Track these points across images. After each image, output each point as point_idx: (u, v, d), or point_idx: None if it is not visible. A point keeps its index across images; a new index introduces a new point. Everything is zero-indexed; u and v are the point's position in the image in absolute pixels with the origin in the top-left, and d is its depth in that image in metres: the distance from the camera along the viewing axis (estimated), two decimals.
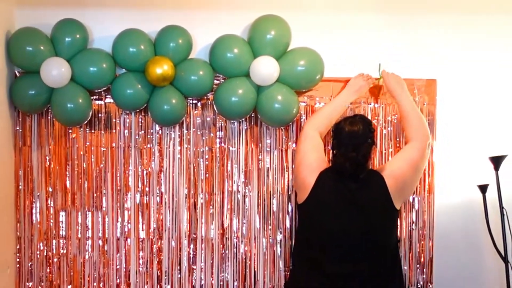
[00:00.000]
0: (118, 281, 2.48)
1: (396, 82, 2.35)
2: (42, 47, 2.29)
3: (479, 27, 2.52)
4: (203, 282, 2.49)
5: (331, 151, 2.18)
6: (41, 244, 2.47)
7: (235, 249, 2.50)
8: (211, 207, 2.50)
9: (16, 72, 2.42)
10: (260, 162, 2.52)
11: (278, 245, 2.46)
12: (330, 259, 2.04)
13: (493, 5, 2.50)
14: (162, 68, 2.22)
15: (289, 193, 2.47)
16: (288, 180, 2.52)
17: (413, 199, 2.51)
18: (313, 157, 2.16)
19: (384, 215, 2.09)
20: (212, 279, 2.49)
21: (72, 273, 2.48)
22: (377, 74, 2.45)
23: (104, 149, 2.49)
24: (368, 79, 2.42)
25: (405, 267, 2.52)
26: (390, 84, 2.36)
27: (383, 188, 2.05)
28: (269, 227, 2.47)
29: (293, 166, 2.41)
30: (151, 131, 2.50)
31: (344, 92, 2.36)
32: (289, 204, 2.47)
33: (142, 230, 2.50)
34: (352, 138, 2.05)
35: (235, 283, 2.49)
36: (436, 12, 2.52)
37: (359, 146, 2.03)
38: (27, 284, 2.47)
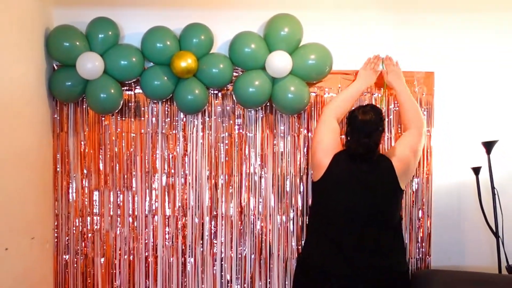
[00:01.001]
0: (147, 254, 2.58)
1: (396, 75, 2.44)
2: (77, 43, 2.36)
3: (473, 25, 2.59)
4: (223, 255, 2.59)
5: (345, 137, 2.23)
6: (77, 221, 2.58)
7: (252, 225, 2.59)
8: (230, 187, 2.58)
9: (54, 65, 2.50)
10: (274, 146, 2.60)
11: (291, 222, 2.53)
12: (341, 232, 2.10)
13: (486, 5, 2.57)
14: (186, 62, 2.29)
15: (301, 174, 2.54)
16: (300, 163, 2.59)
17: (413, 180, 2.58)
18: (329, 140, 2.21)
19: (392, 194, 2.15)
20: (231, 252, 2.58)
21: (104, 247, 2.58)
22: (381, 67, 2.50)
23: (134, 135, 2.57)
24: (374, 65, 2.47)
25: (406, 242, 2.57)
26: (390, 76, 2.45)
27: (391, 171, 2.11)
28: (283, 205, 2.54)
29: (310, 146, 2.47)
30: (176, 118, 2.57)
31: (357, 81, 2.43)
32: (301, 184, 2.54)
33: (168, 208, 2.58)
34: (365, 126, 2.11)
35: (252, 256, 2.58)
36: (434, 11, 2.59)
37: (371, 133, 2.10)
38: (64, 257, 2.58)
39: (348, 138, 2.16)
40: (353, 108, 2.28)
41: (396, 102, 2.55)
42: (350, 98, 2.36)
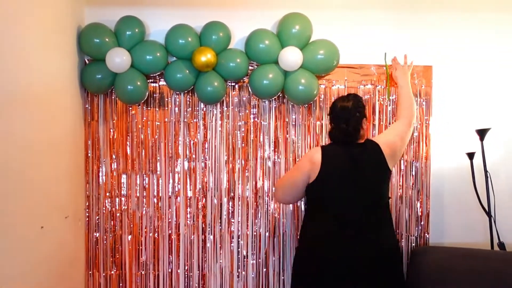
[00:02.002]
0: (170, 232, 2.62)
1: (402, 71, 2.49)
2: (107, 39, 2.40)
3: (468, 24, 2.64)
4: (239, 233, 2.63)
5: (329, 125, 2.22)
6: (106, 201, 2.61)
7: (266, 206, 2.63)
8: (246, 171, 2.62)
9: (85, 59, 2.54)
10: (286, 134, 2.63)
11: (302, 202, 2.57)
12: (336, 216, 2.05)
13: (480, 5, 2.63)
14: (206, 57, 2.34)
15: None
16: (310, 148, 2.62)
17: (413, 164, 2.63)
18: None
19: (380, 174, 2.12)
20: (247, 231, 2.63)
21: (132, 225, 2.62)
22: (383, 62, 2.59)
23: (158, 123, 2.60)
24: (397, 63, 2.52)
25: (406, 220, 2.64)
26: (397, 72, 2.50)
27: (379, 153, 2.10)
28: None
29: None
30: (197, 108, 2.61)
31: (404, 83, 2.43)
32: None
33: (190, 190, 2.62)
34: (343, 113, 2.11)
35: (266, 234, 2.63)
36: (432, 11, 2.63)
37: (349, 119, 2.10)
38: (95, 234, 2.62)
39: (332, 125, 2.18)
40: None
41: (396, 93, 2.58)
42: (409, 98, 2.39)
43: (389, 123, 2.59)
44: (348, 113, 2.11)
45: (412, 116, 2.34)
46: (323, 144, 2.60)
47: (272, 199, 2.64)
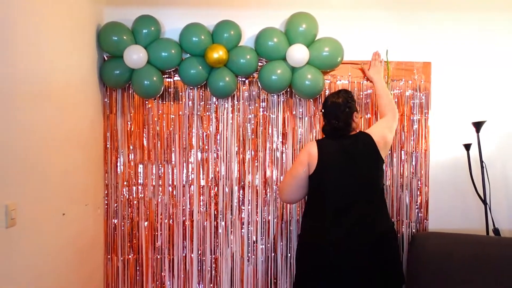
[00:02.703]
0: (184, 218, 2.68)
1: (376, 69, 2.54)
2: (125, 37, 2.45)
3: (464, 22, 2.67)
4: (249, 219, 2.68)
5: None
6: (124, 190, 2.67)
7: (274, 194, 2.68)
8: (256, 161, 2.67)
9: (104, 56, 2.59)
10: (294, 126, 2.67)
11: None
12: (331, 197, 2.09)
13: (474, 5, 2.67)
14: (218, 53, 2.39)
15: None
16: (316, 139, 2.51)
17: (413, 155, 2.67)
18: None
19: (374, 162, 2.15)
20: (257, 217, 2.68)
21: (148, 212, 2.67)
22: (385, 58, 2.62)
23: (173, 116, 2.65)
24: (377, 59, 2.56)
25: (407, 207, 2.69)
26: (371, 70, 2.55)
27: (371, 142, 2.15)
28: None
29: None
30: (210, 102, 2.66)
31: (378, 79, 2.51)
32: None
33: (202, 179, 2.67)
34: (334, 108, 2.18)
35: (274, 220, 2.68)
36: (431, 11, 2.66)
37: (338, 115, 2.16)
38: (113, 220, 2.68)
39: (324, 121, 2.24)
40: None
41: (397, 88, 2.65)
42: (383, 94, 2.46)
43: (380, 115, 2.53)
44: (338, 109, 2.17)
45: (394, 109, 2.39)
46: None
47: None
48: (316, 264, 2.10)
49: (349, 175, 2.10)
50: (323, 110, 2.25)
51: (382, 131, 2.24)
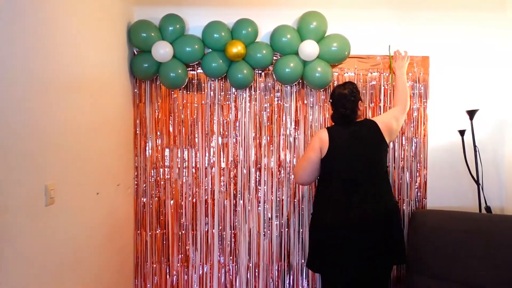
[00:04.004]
0: (206, 197, 2.76)
1: (400, 63, 2.60)
2: (152, 34, 2.53)
3: (460, 20, 2.74)
4: (265, 198, 2.76)
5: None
6: (152, 171, 2.75)
7: (288, 175, 2.75)
8: (271, 145, 2.73)
9: (134, 51, 2.68)
10: (305, 114, 2.74)
11: None
12: (341, 177, 2.18)
13: (470, 4, 2.73)
14: (237, 48, 2.48)
15: None
16: (325, 126, 2.72)
17: (413, 140, 2.74)
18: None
19: (378, 146, 2.23)
20: (272, 196, 2.76)
21: (173, 192, 2.75)
22: (388, 53, 2.70)
23: (196, 105, 2.73)
24: (398, 55, 2.59)
25: (407, 187, 2.76)
26: (396, 63, 2.63)
27: (376, 128, 2.24)
28: None
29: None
30: (229, 92, 2.74)
31: (400, 73, 2.54)
32: None
33: (223, 162, 2.75)
34: (341, 98, 2.27)
35: (288, 199, 2.76)
36: (430, 9, 2.73)
37: (345, 103, 2.25)
38: (142, 199, 2.76)
39: (332, 110, 2.33)
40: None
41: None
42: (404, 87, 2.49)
43: (393, 105, 2.60)
44: (345, 99, 2.26)
45: (406, 102, 2.46)
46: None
47: (293, 170, 2.72)
48: (329, 235, 2.19)
49: (357, 156, 2.20)
50: (331, 100, 2.34)
51: (388, 119, 2.32)
